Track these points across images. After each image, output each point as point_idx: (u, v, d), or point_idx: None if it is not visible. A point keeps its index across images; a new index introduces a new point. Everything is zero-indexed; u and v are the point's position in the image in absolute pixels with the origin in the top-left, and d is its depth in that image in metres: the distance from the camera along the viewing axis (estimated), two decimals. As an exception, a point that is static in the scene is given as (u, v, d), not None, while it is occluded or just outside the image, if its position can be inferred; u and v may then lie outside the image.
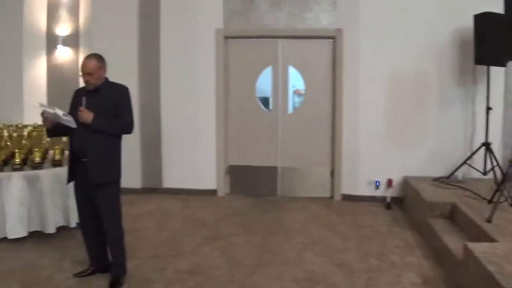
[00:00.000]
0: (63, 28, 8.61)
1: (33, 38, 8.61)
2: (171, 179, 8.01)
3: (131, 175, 7.84)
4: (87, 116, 4.25)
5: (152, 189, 8.04)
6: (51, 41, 8.69)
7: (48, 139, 6.14)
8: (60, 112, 4.26)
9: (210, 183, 7.87)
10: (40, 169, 5.87)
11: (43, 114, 4.38)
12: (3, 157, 6.13)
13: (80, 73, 4.42)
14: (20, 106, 8.35)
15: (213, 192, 7.85)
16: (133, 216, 6.73)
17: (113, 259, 4.66)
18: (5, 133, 6.20)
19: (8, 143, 6.12)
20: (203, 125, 7.87)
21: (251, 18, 7.65)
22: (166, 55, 7.94)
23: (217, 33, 7.69)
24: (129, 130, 4.50)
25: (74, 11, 8.63)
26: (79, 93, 4.56)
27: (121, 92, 4.49)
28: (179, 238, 5.92)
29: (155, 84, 7.97)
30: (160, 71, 7.95)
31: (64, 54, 8.63)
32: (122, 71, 7.34)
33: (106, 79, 4.52)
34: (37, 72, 8.72)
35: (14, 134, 6.13)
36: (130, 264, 4.82)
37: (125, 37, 7.94)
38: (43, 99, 8.63)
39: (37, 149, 6.00)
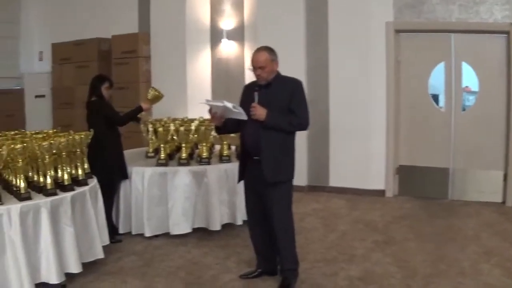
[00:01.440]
0: (228, 22, 9.82)
1: (197, 32, 9.91)
2: (338, 177, 8.92)
3: (296, 172, 8.53)
4: (260, 112, 4.62)
5: (318, 187, 9.02)
6: (215, 35, 10.02)
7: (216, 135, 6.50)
8: (229, 105, 4.60)
9: (378, 183, 8.66)
10: (207, 164, 6.59)
11: (210, 110, 4.80)
12: (168, 151, 6.92)
13: (250, 67, 4.81)
14: (184, 100, 9.66)
15: (380, 193, 8.62)
16: (300, 216, 7.32)
17: (283, 261, 4.97)
18: (171, 127, 6.81)
19: (175, 137, 6.80)
20: (373, 122, 8.62)
21: (423, 11, 8.29)
22: (335, 48, 8.81)
23: (388, 26, 8.47)
24: (304, 126, 4.82)
25: (238, 4, 9.80)
26: (250, 88, 4.92)
27: (295, 86, 4.81)
28: (349, 241, 6.47)
29: (323, 78, 8.89)
30: (328, 65, 8.86)
31: (228, 48, 9.89)
32: (289, 65, 7.64)
33: (278, 73, 4.83)
34: (201, 66, 10.04)
35: (181, 128, 6.66)
36: (300, 268, 5.11)
37: (292, 30, 8.93)
38: (207, 93, 9.86)
39: (204, 144, 6.75)
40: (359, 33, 8.71)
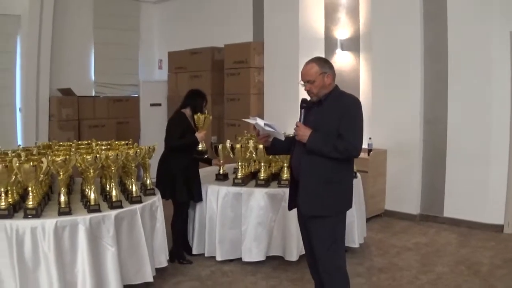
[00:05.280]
0: (343, 31, 9.45)
1: (310, 41, 9.66)
2: (453, 207, 8.26)
3: (408, 198, 8.51)
4: (302, 133, 4.22)
5: (430, 217, 8.48)
6: (330, 45, 9.65)
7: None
8: (261, 122, 4.35)
9: (496, 216, 7.88)
10: (287, 187, 6.02)
11: (254, 128, 4.55)
12: (252, 169, 6.74)
13: (300, 82, 4.43)
14: (296, 115, 9.47)
15: (498, 228, 7.84)
16: (398, 250, 6.94)
17: None
18: (251, 144, 6.56)
19: (254, 154, 6.55)
20: (495, 145, 7.90)
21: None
22: (455, 61, 8.20)
23: (512, 37, 7.57)
24: (351, 153, 4.26)
25: (354, 13, 9.42)
26: (301, 104, 4.49)
27: (348, 105, 4.30)
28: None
29: (441, 94, 8.35)
30: (447, 80, 8.27)
31: (343, 59, 9.48)
32: (404, 78, 8.27)
33: (335, 88, 4.39)
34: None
35: (260, 146, 6.36)
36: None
37: (408, 40, 8.54)
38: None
39: (287, 165, 6.38)
40: (481, 43, 8.00)
